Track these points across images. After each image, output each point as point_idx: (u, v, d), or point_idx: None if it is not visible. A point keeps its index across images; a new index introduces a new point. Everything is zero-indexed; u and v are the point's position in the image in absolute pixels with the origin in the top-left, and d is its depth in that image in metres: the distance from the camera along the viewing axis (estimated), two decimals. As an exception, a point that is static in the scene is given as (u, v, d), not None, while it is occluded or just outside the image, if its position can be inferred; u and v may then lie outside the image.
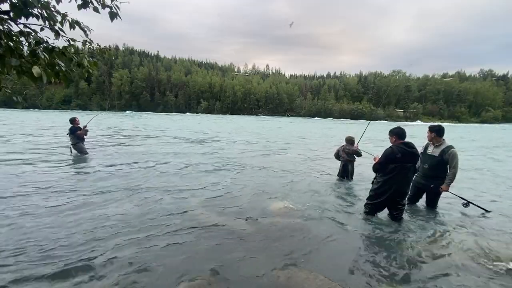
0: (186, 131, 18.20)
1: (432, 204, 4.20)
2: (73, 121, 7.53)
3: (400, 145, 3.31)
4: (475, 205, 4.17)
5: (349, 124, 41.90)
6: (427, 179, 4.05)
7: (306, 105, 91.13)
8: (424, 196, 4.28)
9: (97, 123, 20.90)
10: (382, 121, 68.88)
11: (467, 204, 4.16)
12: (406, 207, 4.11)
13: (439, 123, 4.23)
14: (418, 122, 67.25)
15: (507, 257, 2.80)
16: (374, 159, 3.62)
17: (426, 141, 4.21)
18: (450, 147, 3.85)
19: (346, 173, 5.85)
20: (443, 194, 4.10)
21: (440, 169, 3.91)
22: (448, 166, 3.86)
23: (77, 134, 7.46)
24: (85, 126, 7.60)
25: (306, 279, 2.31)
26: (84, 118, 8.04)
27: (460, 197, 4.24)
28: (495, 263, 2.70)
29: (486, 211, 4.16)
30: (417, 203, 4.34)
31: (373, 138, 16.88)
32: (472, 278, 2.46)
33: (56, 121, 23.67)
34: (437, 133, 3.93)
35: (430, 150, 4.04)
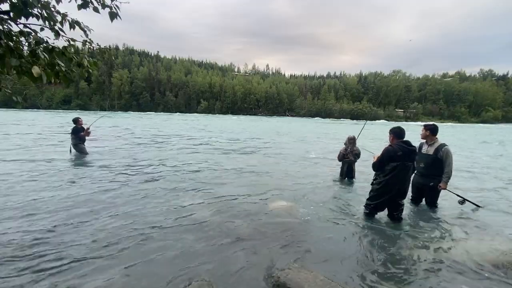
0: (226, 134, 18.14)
1: (432, 202, 4.22)
2: (76, 121, 7.49)
3: (400, 144, 3.32)
4: (470, 202, 4.27)
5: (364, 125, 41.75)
6: (425, 178, 4.09)
7: (306, 105, 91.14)
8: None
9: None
10: (381, 120, 68.87)
11: (463, 201, 4.26)
12: (407, 207, 4.12)
13: (433, 123, 4.32)
14: (418, 123, 67.24)
15: (503, 253, 2.80)
16: (374, 157, 3.61)
17: (420, 141, 4.25)
18: (444, 145, 3.94)
19: (350, 173, 5.84)
20: (442, 192, 4.13)
21: (436, 167, 3.96)
22: (443, 164, 3.91)
23: (80, 135, 7.44)
24: (88, 128, 7.60)
25: (306, 279, 2.31)
26: (87, 118, 8.05)
27: (457, 195, 4.34)
28: (490, 262, 2.70)
29: (479, 206, 4.29)
30: (418, 203, 4.33)
31: (376, 137, 16.86)
32: (471, 276, 2.46)
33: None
34: (431, 131, 4.01)
35: (424, 149, 4.11)
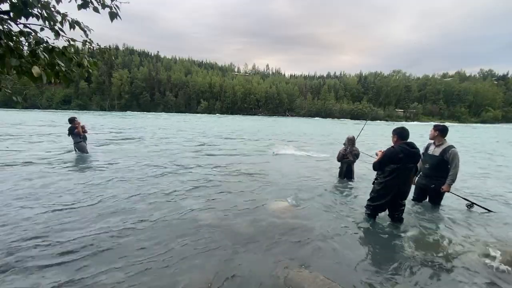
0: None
1: (434, 204, 4.17)
2: (72, 121, 7.58)
3: (403, 145, 3.26)
4: (478, 205, 4.11)
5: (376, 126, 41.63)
6: (428, 179, 4.04)
7: (306, 105, 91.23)
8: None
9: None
10: (381, 121, 68.93)
11: (471, 205, 4.12)
12: (409, 207, 4.08)
13: (444, 124, 4.21)
14: (415, 123, 67.26)
15: (509, 258, 2.79)
16: (377, 154, 3.53)
17: (427, 142, 4.20)
18: (451, 146, 3.84)
19: (350, 174, 5.82)
20: (448, 194, 4.06)
21: (441, 169, 3.89)
22: (449, 166, 3.85)
23: (75, 132, 7.53)
24: (79, 123, 7.66)
25: (306, 279, 2.31)
26: (82, 117, 8.08)
27: (464, 198, 4.19)
28: (496, 264, 2.69)
29: (489, 211, 4.10)
30: (421, 204, 4.30)
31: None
32: (473, 279, 2.46)
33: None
34: (440, 132, 3.93)
35: (431, 149, 4.03)
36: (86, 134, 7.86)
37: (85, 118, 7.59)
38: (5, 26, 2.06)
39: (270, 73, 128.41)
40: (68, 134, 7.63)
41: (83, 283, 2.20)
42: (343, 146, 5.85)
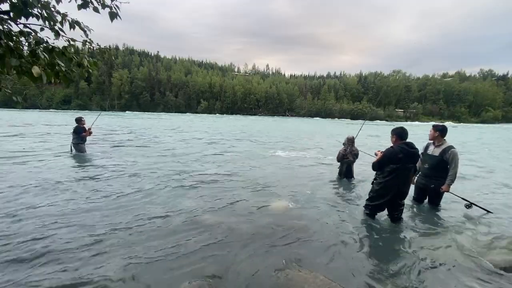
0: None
1: (433, 204, 4.17)
2: (79, 121, 7.55)
3: (402, 145, 3.26)
4: (477, 206, 4.12)
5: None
6: (428, 179, 4.04)
7: (306, 105, 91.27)
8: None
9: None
10: (382, 121, 68.93)
11: (469, 205, 4.11)
12: (409, 207, 4.08)
13: (443, 124, 4.20)
14: (416, 123, 67.36)
15: (507, 259, 2.79)
16: (376, 154, 3.54)
17: (427, 142, 4.20)
18: (451, 147, 3.84)
19: (350, 173, 5.83)
20: (447, 194, 4.06)
21: (440, 169, 3.89)
22: (448, 166, 3.84)
23: (82, 135, 7.51)
24: (89, 128, 7.65)
25: (306, 279, 2.31)
26: (86, 118, 8.11)
27: (462, 198, 4.18)
28: (493, 265, 2.69)
29: (488, 211, 4.11)
30: (420, 204, 4.30)
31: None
32: (472, 279, 2.46)
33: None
34: (440, 132, 3.92)
35: (430, 149, 4.02)
36: (88, 136, 7.86)
37: (87, 119, 7.60)
38: (5, 26, 2.06)
39: (270, 73, 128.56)
40: (72, 133, 7.62)
41: (84, 282, 2.21)
42: (343, 146, 5.86)
